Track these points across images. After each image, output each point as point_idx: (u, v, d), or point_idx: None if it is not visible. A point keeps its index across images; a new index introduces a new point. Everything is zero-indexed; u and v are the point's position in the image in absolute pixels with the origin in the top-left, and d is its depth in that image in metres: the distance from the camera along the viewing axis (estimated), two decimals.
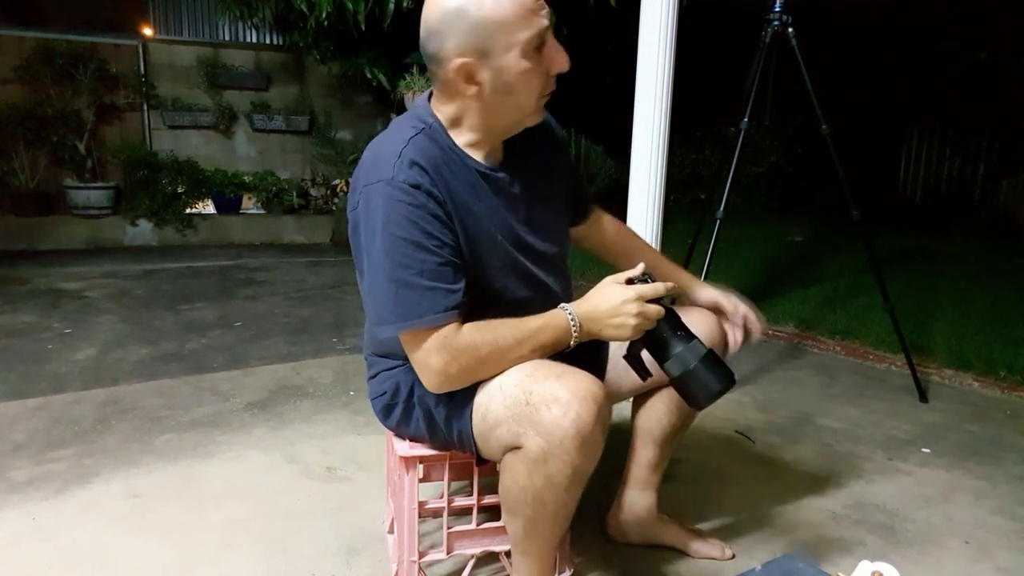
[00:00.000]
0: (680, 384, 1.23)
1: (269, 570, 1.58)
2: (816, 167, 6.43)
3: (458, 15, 1.13)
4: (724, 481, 2.06)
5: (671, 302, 1.33)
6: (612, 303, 1.19)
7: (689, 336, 1.23)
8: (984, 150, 7.60)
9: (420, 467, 1.41)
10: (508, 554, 1.43)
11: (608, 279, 1.23)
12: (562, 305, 1.22)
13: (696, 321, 1.39)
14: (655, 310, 1.20)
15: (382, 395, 1.38)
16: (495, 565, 1.57)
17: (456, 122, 1.25)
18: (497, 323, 1.18)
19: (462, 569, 1.50)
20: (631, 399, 1.61)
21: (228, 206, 6.19)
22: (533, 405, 1.12)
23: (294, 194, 6.38)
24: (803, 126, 6.85)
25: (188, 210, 6.08)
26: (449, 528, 1.42)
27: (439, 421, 1.29)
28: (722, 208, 2.52)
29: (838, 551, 1.71)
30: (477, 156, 1.26)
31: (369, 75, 5.24)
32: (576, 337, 1.21)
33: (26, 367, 2.85)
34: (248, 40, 7.32)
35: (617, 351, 1.42)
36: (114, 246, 5.76)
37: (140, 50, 6.06)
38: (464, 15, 1.13)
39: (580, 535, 1.63)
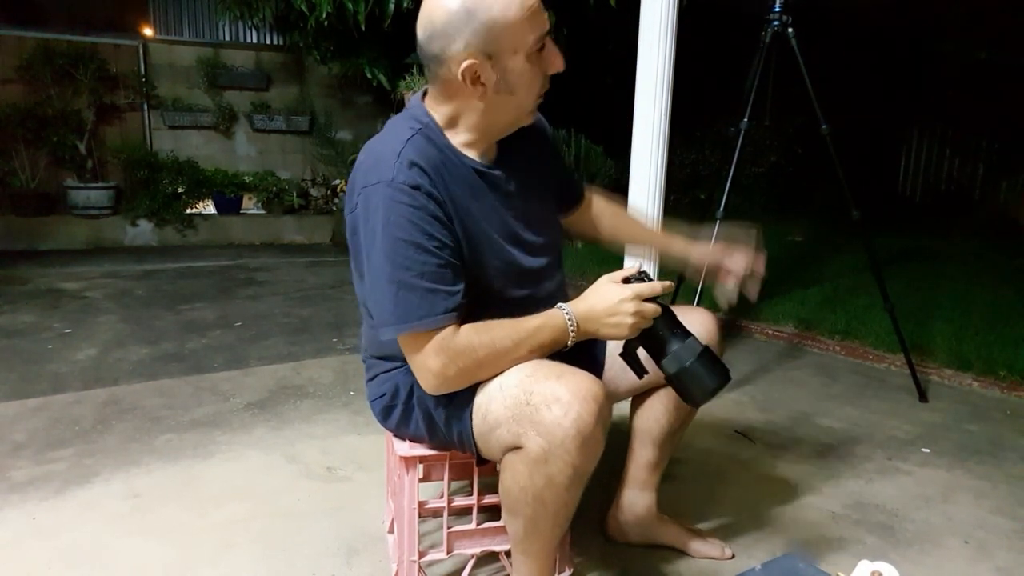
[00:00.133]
0: (676, 382, 1.24)
1: (269, 570, 1.58)
2: (816, 167, 6.42)
3: (466, 16, 1.13)
4: (724, 481, 2.06)
5: (671, 300, 1.33)
6: (609, 302, 1.19)
7: (685, 334, 1.23)
8: (984, 150, 7.59)
9: (420, 467, 1.41)
10: (508, 554, 1.43)
11: (604, 278, 1.23)
12: (559, 305, 1.23)
13: (692, 320, 1.39)
14: (652, 309, 1.20)
15: (381, 397, 1.38)
16: (495, 565, 1.57)
17: (453, 122, 1.25)
18: (494, 324, 1.19)
19: (462, 569, 1.50)
20: (629, 399, 1.61)
21: (228, 206, 6.19)
22: (534, 405, 1.12)
23: (294, 194, 6.39)
24: (803, 126, 6.84)
25: (188, 210, 6.08)
26: (449, 528, 1.42)
27: (439, 422, 1.30)
28: (722, 208, 2.52)
29: (838, 551, 1.71)
30: (473, 155, 1.27)
31: (369, 75, 5.23)
32: (574, 336, 1.21)
33: (26, 367, 2.85)
34: (248, 40, 7.32)
35: (614, 351, 1.42)
36: (114, 246, 5.76)
37: (140, 50, 6.06)
38: (472, 17, 1.13)
39: (580, 535, 1.63)
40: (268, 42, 6.84)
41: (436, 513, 1.45)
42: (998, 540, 1.79)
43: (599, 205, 1.64)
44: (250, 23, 5.45)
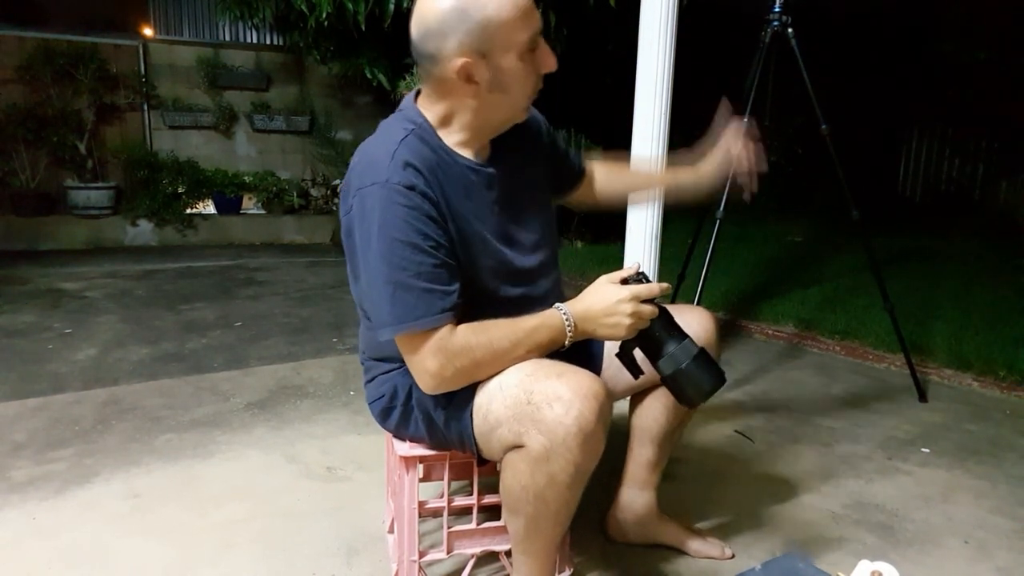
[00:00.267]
0: (672, 383, 1.24)
1: (269, 570, 1.58)
2: (816, 167, 6.42)
3: (460, 15, 1.14)
4: (724, 481, 2.06)
5: (671, 300, 1.33)
6: (607, 303, 1.20)
7: (681, 336, 1.24)
8: (984, 150, 7.59)
9: (420, 467, 1.41)
10: (508, 554, 1.43)
11: (603, 278, 1.23)
12: (557, 305, 1.23)
13: (690, 319, 1.39)
14: (649, 310, 1.20)
15: (380, 398, 1.38)
16: (495, 565, 1.57)
17: (446, 121, 1.25)
18: (492, 324, 1.19)
19: (462, 569, 1.50)
20: (628, 398, 1.61)
21: (228, 206, 6.19)
22: (535, 404, 1.12)
23: (294, 194, 6.39)
24: (803, 126, 6.84)
25: (188, 210, 6.08)
26: (449, 528, 1.42)
27: (439, 423, 1.30)
28: (722, 208, 2.52)
29: (838, 551, 1.71)
30: (467, 154, 1.27)
31: (369, 75, 5.23)
32: (571, 337, 1.21)
33: (26, 367, 2.85)
34: (248, 40, 7.32)
35: (612, 350, 1.43)
36: (114, 246, 5.76)
37: (140, 50, 6.06)
38: (466, 16, 1.14)
39: (580, 535, 1.63)
40: (268, 42, 6.85)
41: (436, 513, 1.45)
42: (998, 540, 1.79)
43: (601, 173, 1.65)
44: (250, 23, 5.44)
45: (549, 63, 1.24)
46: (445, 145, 1.25)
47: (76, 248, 5.61)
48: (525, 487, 1.16)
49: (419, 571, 1.43)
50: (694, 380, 1.22)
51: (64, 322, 3.50)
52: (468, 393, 1.23)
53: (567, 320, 1.20)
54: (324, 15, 4.57)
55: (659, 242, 2.47)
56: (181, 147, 6.25)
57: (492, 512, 1.44)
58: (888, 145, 8.17)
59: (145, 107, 6.11)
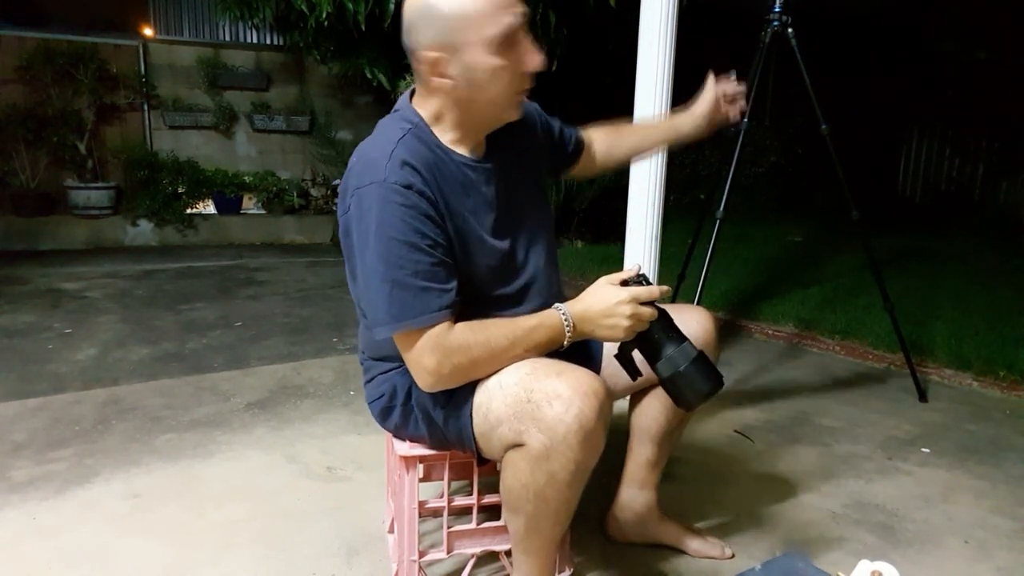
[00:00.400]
0: (670, 385, 1.24)
1: (269, 570, 1.58)
2: (816, 167, 6.43)
3: (428, 10, 1.16)
4: (724, 481, 2.06)
5: (671, 300, 1.33)
6: (606, 304, 1.19)
7: (680, 338, 1.23)
8: (984, 150, 7.59)
9: (420, 467, 1.41)
10: (508, 553, 1.43)
11: (602, 279, 1.23)
12: (556, 305, 1.23)
13: (689, 318, 1.39)
14: (648, 312, 1.20)
15: (379, 398, 1.38)
16: (495, 565, 1.57)
17: (438, 118, 1.26)
18: (490, 323, 1.19)
19: (462, 569, 1.50)
20: (628, 397, 1.61)
21: (228, 206, 6.19)
22: (535, 402, 1.12)
23: (294, 194, 6.39)
24: (803, 126, 6.85)
25: (188, 210, 6.08)
26: (449, 528, 1.42)
27: (438, 422, 1.30)
28: (722, 208, 2.52)
29: (838, 550, 1.71)
30: (462, 151, 1.27)
31: (369, 75, 5.23)
32: (570, 337, 1.21)
33: (26, 367, 2.85)
34: (248, 40, 7.31)
35: (610, 349, 1.43)
36: (115, 246, 5.76)
37: (140, 50, 6.06)
38: (433, 9, 1.15)
39: (580, 535, 1.63)
40: (268, 42, 6.84)
41: (436, 513, 1.45)
42: (998, 540, 1.79)
43: (600, 140, 1.66)
44: (250, 23, 5.44)
45: (532, 60, 1.21)
46: (441, 143, 1.25)
47: (76, 248, 5.61)
48: (525, 485, 1.17)
49: (419, 571, 1.43)
50: (692, 383, 1.22)
51: (64, 322, 3.50)
52: (467, 392, 1.23)
53: (566, 320, 1.20)
54: (324, 15, 4.57)
55: (659, 242, 2.47)
56: (181, 147, 6.25)
57: (492, 512, 1.44)
58: (888, 145, 8.16)
59: (145, 107, 6.11)
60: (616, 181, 5.49)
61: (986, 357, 3.04)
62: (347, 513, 1.82)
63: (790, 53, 2.51)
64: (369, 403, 1.42)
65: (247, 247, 5.95)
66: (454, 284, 1.18)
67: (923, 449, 2.31)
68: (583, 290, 1.25)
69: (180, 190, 6.04)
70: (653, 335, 1.23)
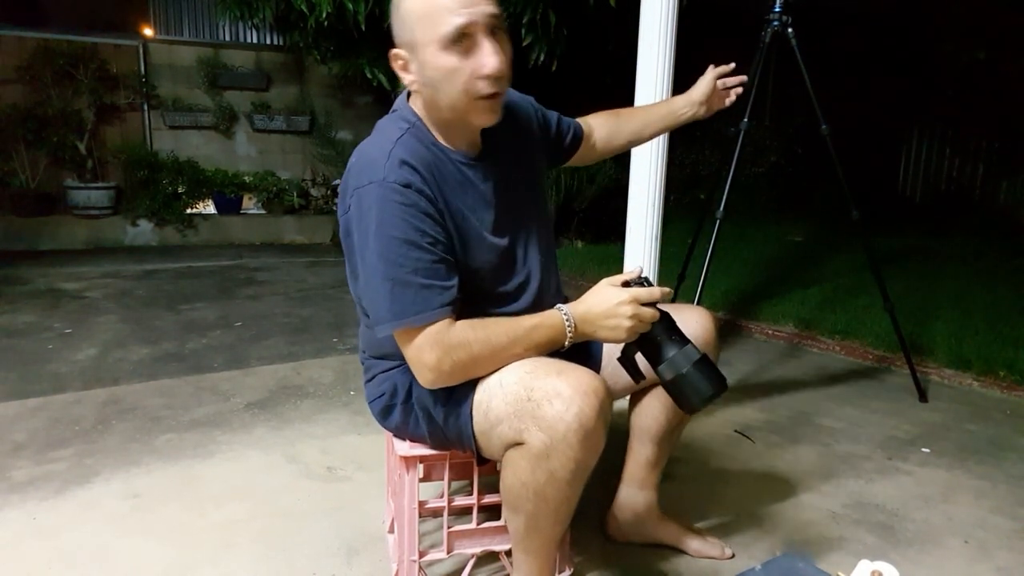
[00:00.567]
0: (672, 388, 1.23)
1: (269, 570, 1.58)
2: (816, 167, 6.43)
3: (395, 8, 1.19)
4: (724, 480, 2.06)
5: (671, 300, 1.33)
6: (607, 305, 1.19)
7: (683, 340, 1.23)
8: (984, 150, 7.59)
9: (420, 467, 1.41)
10: (508, 553, 1.43)
11: (604, 281, 1.23)
12: (558, 306, 1.23)
13: (688, 318, 1.39)
14: (650, 313, 1.20)
15: (380, 397, 1.38)
16: (495, 564, 1.57)
17: (428, 117, 1.26)
18: (491, 321, 1.19)
19: (462, 569, 1.50)
20: (627, 397, 1.61)
21: (228, 206, 6.19)
22: (535, 401, 1.12)
23: (294, 194, 6.39)
24: (803, 126, 6.85)
25: (188, 210, 6.08)
26: (449, 528, 1.42)
27: (439, 420, 1.30)
28: (722, 208, 2.52)
29: (838, 550, 1.71)
30: (459, 150, 1.27)
31: (369, 75, 5.23)
32: (571, 338, 1.21)
33: (26, 367, 2.85)
34: (248, 40, 7.32)
35: (610, 349, 1.42)
36: (114, 246, 5.76)
37: (140, 50, 6.06)
38: (398, 7, 1.19)
39: (580, 534, 1.63)
40: (268, 42, 6.84)
41: (436, 513, 1.45)
42: (998, 540, 1.79)
43: (600, 128, 1.66)
44: (250, 23, 5.44)
45: (485, 64, 1.14)
46: (438, 142, 1.26)
47: (76, 248, 5.61)
48: (525, 484, 1.17)
49: (419, 571, 1.43)
50: (695, 386, 1.21)
51: (64, 322, 3.50)
52: (468, 389, 1.23)
53: (567, 321, 1.20)
54: (324, 15, 4.57)
55: (659, 242, 2.47)
56: (181, 147, 6.25)
57: (492, 512, 1.44)
58: (888, 145, 8.16)
59: (145, 107, 6.11)
60: (616, 181, 5.51)
61: (986, 357, 3.04)
62: (347, 513, 1.82)
63: (790, 53, 2.51)
64: (370, 402, 1.42)
65: (247, 247, 5.95)
66: (455, 281, 1.18)
67: (923, 449, 2.31)
68: (583, 290, 1.25)
69: (180, 190, 6.04)
70: (655, 337, 1.22)
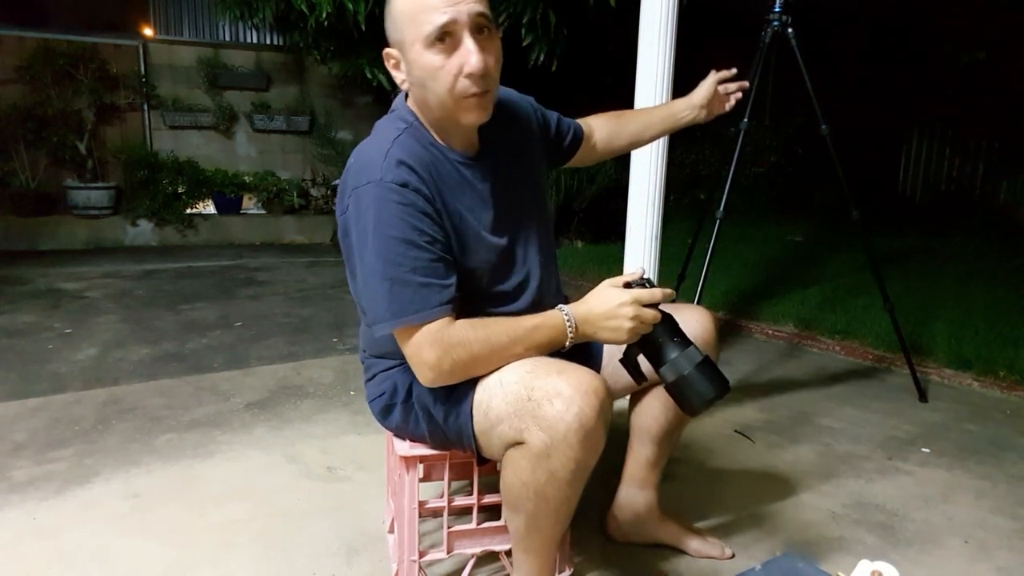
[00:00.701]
0: (674, 389, 1.23)
1: (269, 570, 1.58)
2: (816, 167, 6.43)
3: (387, 7, 1.21)
4: (724, 480, 2.06)
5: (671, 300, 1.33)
6: (609, 306, 1.19)
7: (685, 342, 1.22)
8: (984, 150, 7.59)
9: (420, 467, 1.41)
10: (508, 553, 1.43)
11: (606, 282, 1.23)
12: (560, 307, 1.23)
13: (688, 317, 1.39)
14: (652, 315, 1.20)
15: (380, 396, 1.38)
16: (495, 564, 1.57)
17: (424, 117, 1.27)
18: (492, 320, 1.19)
19: (462, 569, 1.50)
20: (627, 397, 1.61)
21: (228, 206, 6.19)
22: (535, 400, 1.12)
23: (294, 194, 6.39)
24: (803, 126, 6.85)
25: (188, 210, 6.08)
26: (449, 528, 1.42)
27: (439, 419, 1.30)
28: (722, 208, 2.52)
29: (838, 550, 1.71)
30: (456, 149, 1.27)
31: (369, 75, 5.24)
32: (572, 338, 1.21)
33: (26, 367, 2.85)
34: (248, 40, 7.32)
35: (610, 348, 1.42)
36: (114, 246, 5.76)
37: (140, 50, 6.06)
38: (389, 7, 1.20)
39: (580, 534, 1.63)
40: (268, 42, 6.84)
41: (436, 513, 1.45)
42: (998, 540, 1.79)
43: (600, 129, 1.67)
44: (250, 23, 5.45)
45: (468, 63, 1.14)
46: (436, 141, 1.26)
47: (76, 248, 5.61)
48: (525, 484, 1.17)
49: (419, 571, 1.43)
50: (697, 388, 1.20)
51: (64, 322, 3.50)
52: (468, 389, 1.23)
53: (568, 321, 1.20)
54: (324, 15, 4.58)
55: (659, 242, 2.47)
56: (181, 147, 6.25)
57: (492, 512, 1.44)
58: (888, 145, 8.17)
59: (145, 107, 6.11)
60: (616, 181, 5.51)
61: (986, 357, 3.04)
62: (347, 513, 1.82)
63: (790, 53, 2.51)
64: (370, 401, 1.42)
65: (247, 247, 5.95)
66: (453, 280, 1.18)
67: (923, 449, 2.31)
68: (584, 290, 1.25)
69: (180, 190, 6.04)
70: (657, 338, 1.22)
